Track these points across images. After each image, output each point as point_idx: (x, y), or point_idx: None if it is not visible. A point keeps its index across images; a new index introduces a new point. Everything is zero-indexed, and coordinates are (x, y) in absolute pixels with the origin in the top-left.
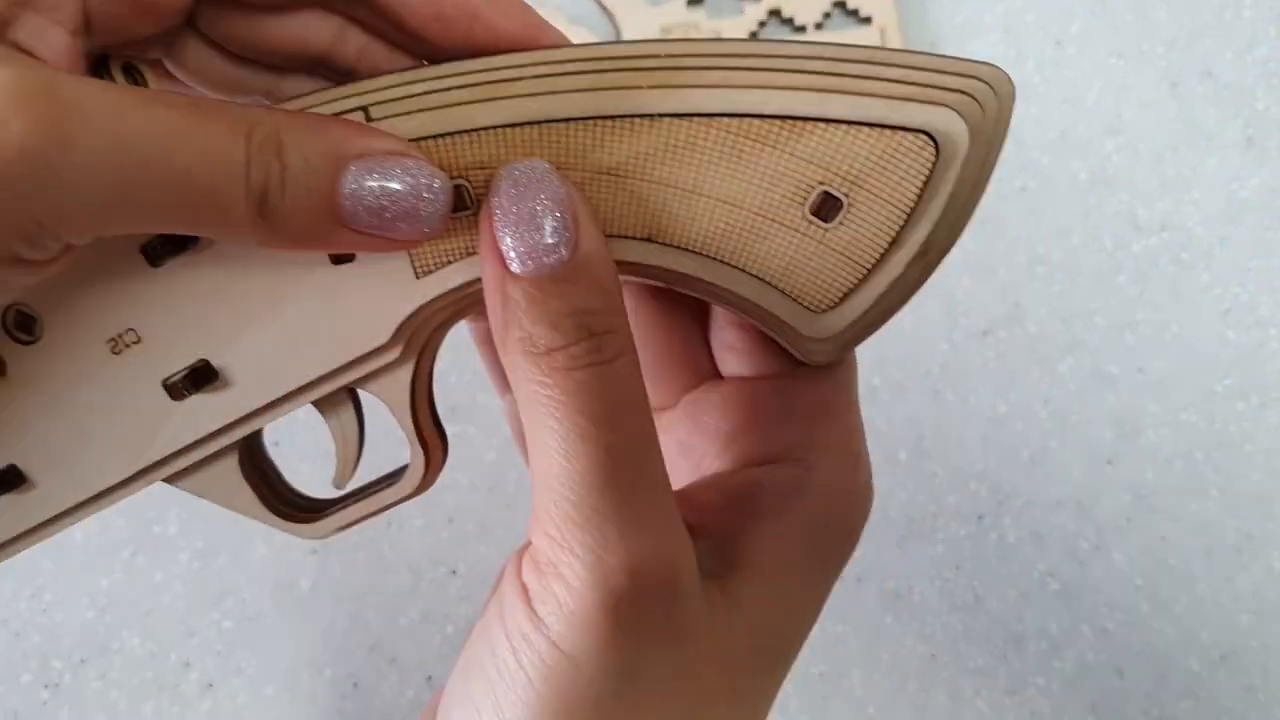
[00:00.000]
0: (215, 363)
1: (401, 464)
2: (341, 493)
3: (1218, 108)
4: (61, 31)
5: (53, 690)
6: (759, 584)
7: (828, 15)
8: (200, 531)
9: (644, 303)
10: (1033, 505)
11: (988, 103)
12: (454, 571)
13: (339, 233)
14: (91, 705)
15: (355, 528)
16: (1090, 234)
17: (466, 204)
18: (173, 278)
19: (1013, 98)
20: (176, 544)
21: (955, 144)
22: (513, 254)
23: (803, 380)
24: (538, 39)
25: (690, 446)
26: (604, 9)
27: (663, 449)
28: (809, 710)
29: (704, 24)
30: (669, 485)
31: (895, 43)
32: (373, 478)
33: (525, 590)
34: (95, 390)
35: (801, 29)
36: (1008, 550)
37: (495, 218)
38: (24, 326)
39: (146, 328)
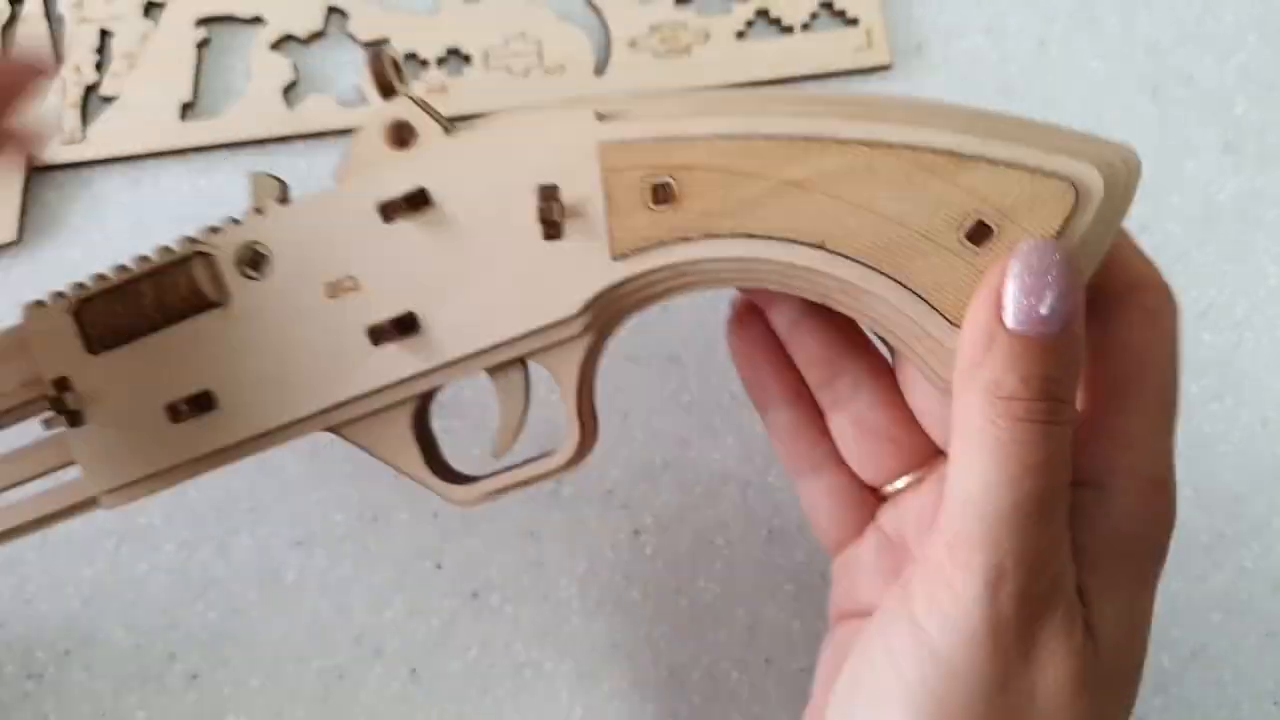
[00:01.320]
0: (420, 315)
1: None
2: (493, 469)
3: (1197, 113)
4: None
5: (36, 681)
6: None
7: (815, 16)
8: (185, 522)
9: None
10: None
11: (1118, 169)
12: (439, 565)
13: None
14: (76, 696)
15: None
16: None
17: (669, 199)
18: (402, 234)
19: (1139, 171)
20: (161, 535)
21: (1092, 194)
22: (1010, 309)
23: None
24: None
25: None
26: (593, 6)
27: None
28: (787, 703)
29: (692, 21)
30: (1067, 540)
31: (881, 43)
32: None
33: (908, 594)
34: (303, 329)
35: (789, 29)
36: None
37: (1011, 274)
38: (255, 264)
39: (367, 276)
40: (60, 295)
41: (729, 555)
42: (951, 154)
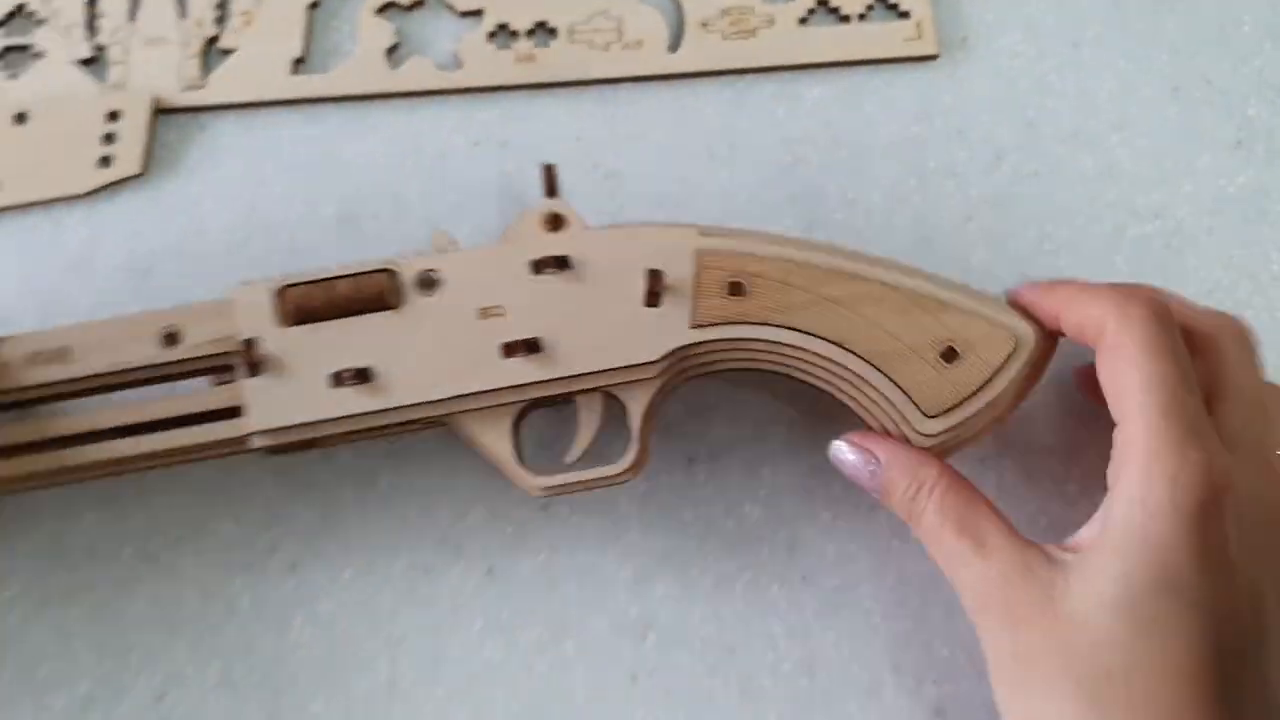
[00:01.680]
0: (545, 342)
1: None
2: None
3: (1213, 111)
4: None
5: (151, 564)
6: None
7: (870, 7)
8: None
9: None
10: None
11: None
12: None
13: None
14: (186, 579)
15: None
16: (1093, 217)
17: (740, 293)
18: (543, 283)
19: (1055, 345)
20: None
21: (1026, 345)
22: (864, 483)
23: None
24: None
25: None
26: None
27: None
28: (821, 616)
29: (759, 7)
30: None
31: (929, 35)
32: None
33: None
34: (454, 336)
35: (846, 19)
36: (1006, 488)
37: (849, 475)
38: (429, 285)
39: (510, 308)
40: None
41: (773, 484)
42: (939, 300)
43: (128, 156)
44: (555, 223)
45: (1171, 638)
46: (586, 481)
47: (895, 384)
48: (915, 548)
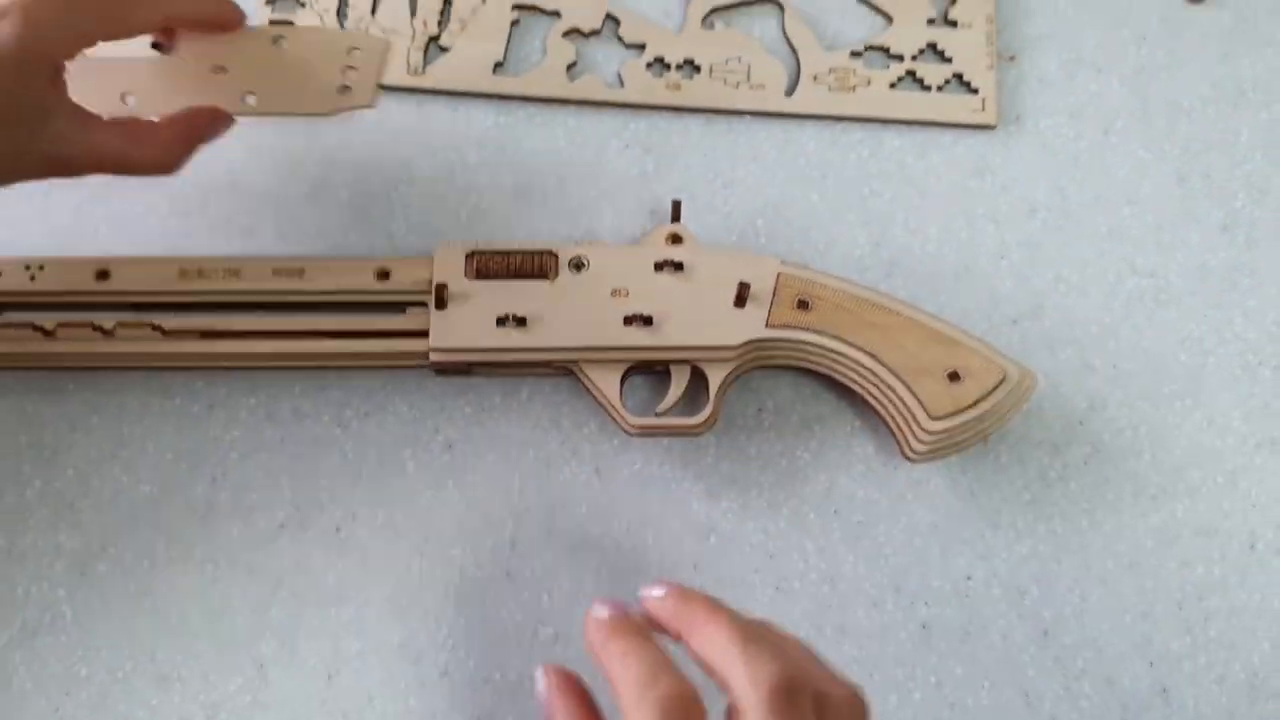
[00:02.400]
0: (656, 319)
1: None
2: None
3: (1208, 199)
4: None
5: (344, 429)
6: None
7: (947, 81)
8: None
9: None
10: (1023, 442)
11: (1026, 376)
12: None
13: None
14: (368, 444)
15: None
16: (1100, 268)
17: (806, 307)
18: (661, 279)
19: (1033, 389)
20: None
21: (1010, 379)
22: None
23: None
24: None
25: None
26: (791, 46)
27: None
28: (845, 541)
29: (860, 70)
30: None
31: (991, 110)
32: None
33: None
34: (589, 304)
35: (928, 88)
36: (1000, 468)
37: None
38: (578, 266)
39: (633, 292)
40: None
41: (821, 438)
42: (950, 338)
43: (362, 88)
44: (676, 239)
45: None
46: (669, 427)
47: (912, 392)
48: (926, 503)
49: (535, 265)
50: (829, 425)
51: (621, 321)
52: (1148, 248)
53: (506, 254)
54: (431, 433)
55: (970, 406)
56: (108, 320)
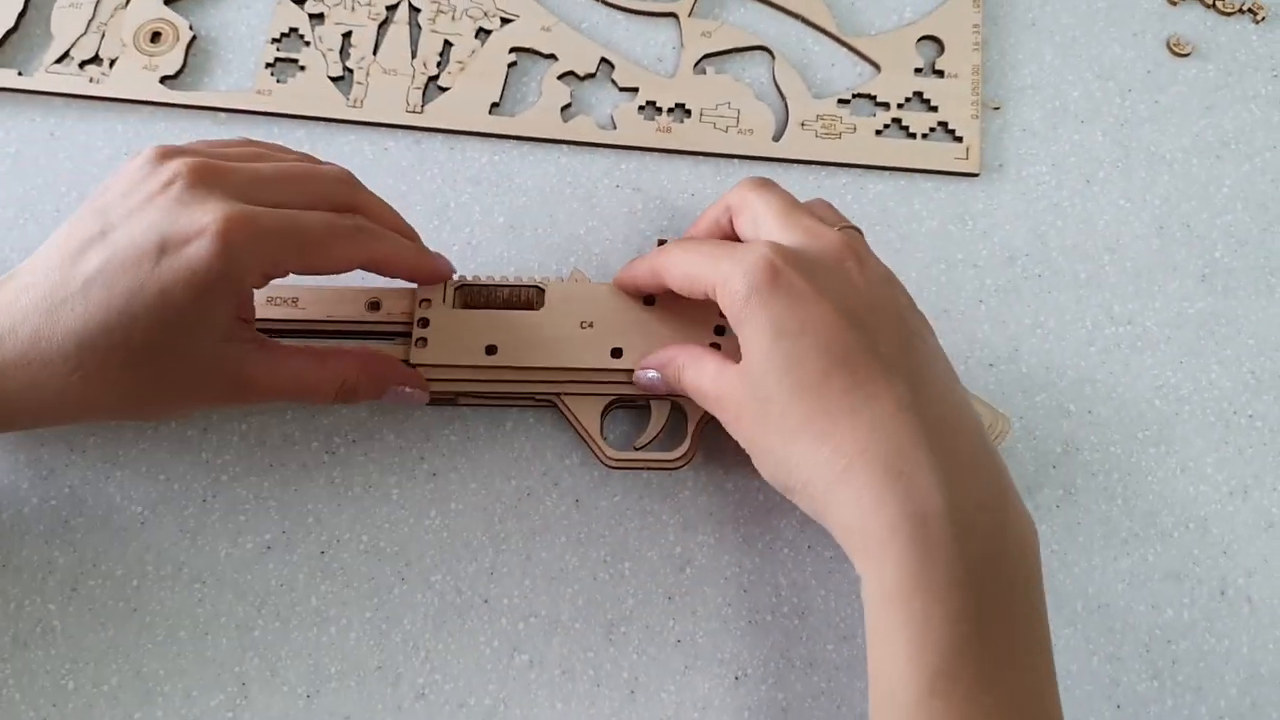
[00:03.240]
0: (624, 349)
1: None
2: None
3: (1187, 249)
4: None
5: (330, 455)
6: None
7: (932, 129)
8: None
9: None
10: None
11: (1003, 421)
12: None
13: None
14: (354, 470)
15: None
16: (1078, 314)
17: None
18: (643, 313)
19: (1009, 432)
20: None
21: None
22: (666, 387)
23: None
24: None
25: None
26: (780, 93)
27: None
28: (817, 576)
29: (846, 117)
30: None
31: (975, 158)
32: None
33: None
34: (564, 334)
35: (913, 135)
36: None
37: (655, 388)
38: (532, 304)
39: (599, 323)
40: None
41: None
42: None
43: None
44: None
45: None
46: (647, 461)
47: None
48: None
49: (520, 299)
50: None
51: (607, 355)
52: (1126, 295)
53: (493, 287)
54: (417, 461)
55: None
56: None
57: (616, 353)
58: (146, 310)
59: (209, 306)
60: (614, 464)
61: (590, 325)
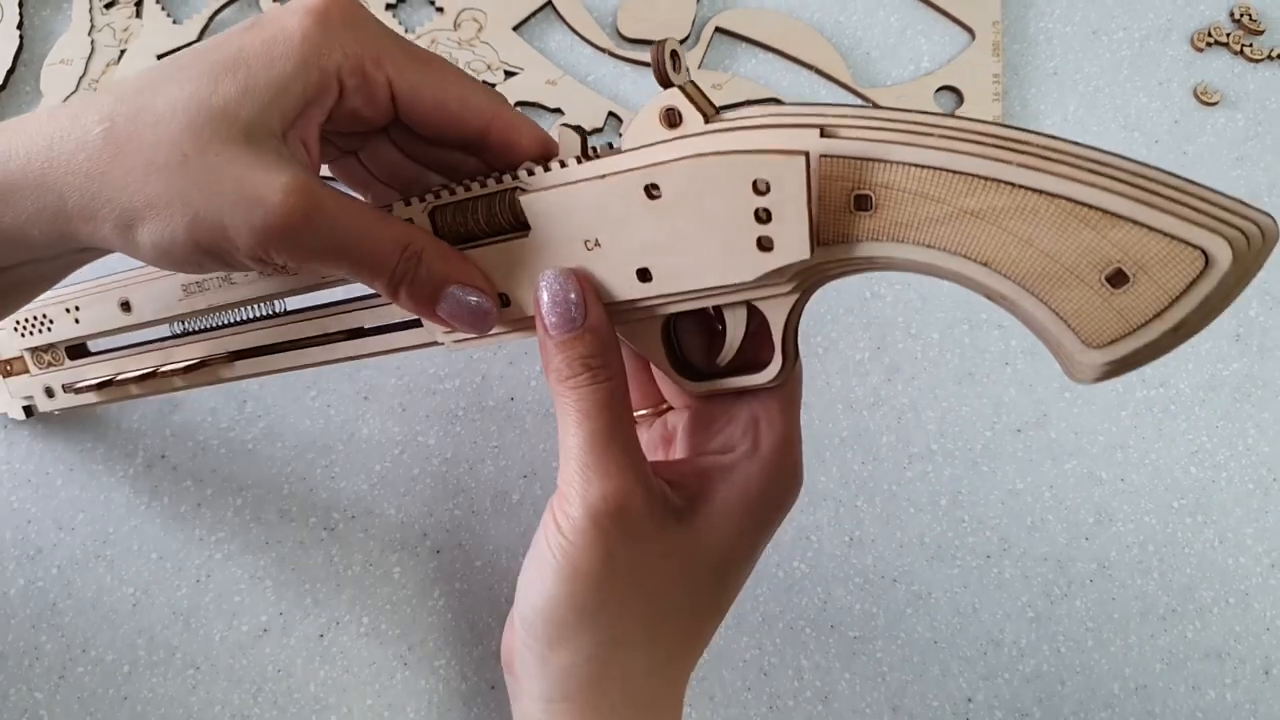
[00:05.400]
0: (652, 268)
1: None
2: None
3: None
4: (317, 129)
5: (329, 532)
6: (712, 520)
7: None
8: (450, 447)
9: (631, 359)
10: (1027, 556)
11: (1254, 241)
12: None
13: (433, 316)
14: (353, 548)
15: None
16: None
17: (867, 207)
18: (642, 213)
19: (1276, 242)
20: (432, 451)
21: (1219, 265)
22: (550, 322)
23: (742, 403)
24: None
25: (667, 442)
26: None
27: (646, 443)
28: (841, 659)
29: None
30: (637, 451)
31: None
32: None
33: (554, 512)
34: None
35: None
36: (1003, 582)
37: (543, 303)
38: (516, 214)
39: (606, 240)
40: (423, 199)
41: (818, 548)
42: (1105, 212)
43: None
44: (670, 119)
45: None
46: (736, 386)
47: (1051, 310)
48: (925, 618)
49: (500, 215)
50: (825, 532)
51: (633, 278)
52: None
53: (467, 203)
54: (419, 537)
55: (1148, 324)
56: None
57: (644, 275)
58: (210, 67)
59: (281, 83)
60: (697, 392)
61: (597, 244)
